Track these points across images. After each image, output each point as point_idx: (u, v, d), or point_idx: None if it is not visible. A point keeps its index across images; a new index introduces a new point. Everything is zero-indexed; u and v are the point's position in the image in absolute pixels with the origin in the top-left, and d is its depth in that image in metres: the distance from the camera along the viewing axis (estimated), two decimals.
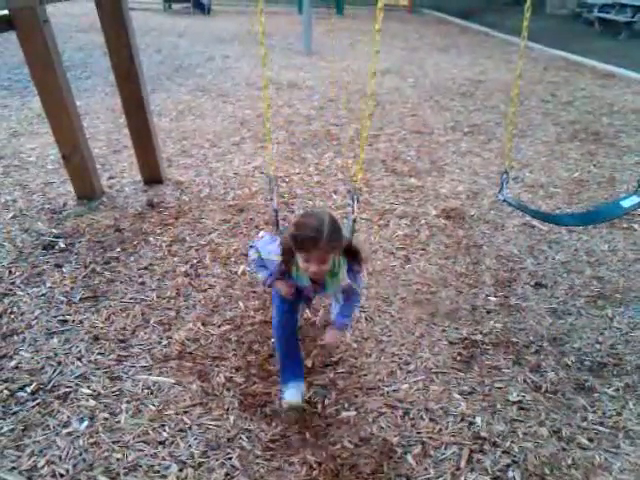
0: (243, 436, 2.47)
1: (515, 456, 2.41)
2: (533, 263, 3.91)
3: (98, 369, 2.83)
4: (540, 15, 18.93)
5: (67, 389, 2.69)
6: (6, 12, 3.74)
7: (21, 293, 3.42)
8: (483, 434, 2.51)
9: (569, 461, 2.40)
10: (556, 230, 4.30)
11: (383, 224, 4.40)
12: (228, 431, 2.49)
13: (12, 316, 3.22)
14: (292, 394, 2.58)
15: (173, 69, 9.63)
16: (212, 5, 18.21)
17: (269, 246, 2.58)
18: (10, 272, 3.61)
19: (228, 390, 2.73)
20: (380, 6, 2.35)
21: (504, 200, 3.57)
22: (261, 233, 3.41)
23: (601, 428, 2.59)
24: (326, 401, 2.70)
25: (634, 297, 3.56)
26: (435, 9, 21.47)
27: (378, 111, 7.43)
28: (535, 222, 4.40)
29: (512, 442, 2.48)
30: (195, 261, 3.81)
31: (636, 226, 4.40)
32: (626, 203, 3.28)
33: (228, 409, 2.62)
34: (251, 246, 2.71)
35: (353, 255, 2.53)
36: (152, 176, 4.97)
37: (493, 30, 15.63)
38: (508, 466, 2.36)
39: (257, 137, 6.29)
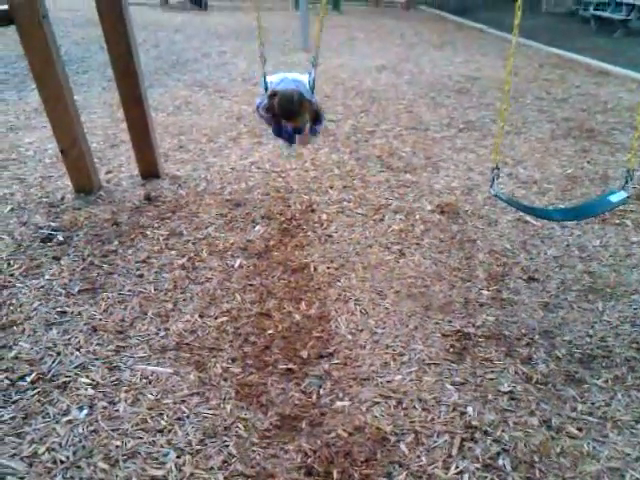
0: (240, 424, 2.52)
1: (505, 444, 2.47)
2: (526, 258, 3.97)
3: (97, 359, 2.88)
4: (536, 13, 18.99)
5: (66, 379, 2.74)
6: (6, 7, 3.78)
7: (20, 285, 3.46)
8: (474, 423, 2.57)
9: (558, 449, 2.46)
10: (549, 226, 4.35)
11: (378, 219, 4.45)
12: (225, 420, 2.54)
13: (11, 307, 3.26)
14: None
15: (170, 64, 9.66)
16: (209, 0, 18.20)
17: (262, 98, 3.79)
18: (9, 264, 3.66)
19: (225, 380, 2.78)
20: None
21: (495, 195, 3.62)
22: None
23: (590, 418, 2.65)
24: (321, 391, 2.74)
25: (625, 291, 3.62)
26: (432, 6, 21.49)
27: (374, 107, 7.47)
28: (528, 218, 4.46)
29: (503, 431, 2.53)
30: (192, 254, 3.86)
31: (628, 222, 4.46)
32: (614, 198, 3.33)
33: (225, 398, 2.67)
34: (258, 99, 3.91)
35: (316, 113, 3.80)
36: (149, 170, 5.01)
37: (489, 27, 15.66)
38: (498, 454, 2.42)
39: (254, 132, 6.33)
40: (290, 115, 3.51)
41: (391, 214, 4.53)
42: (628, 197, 3.30)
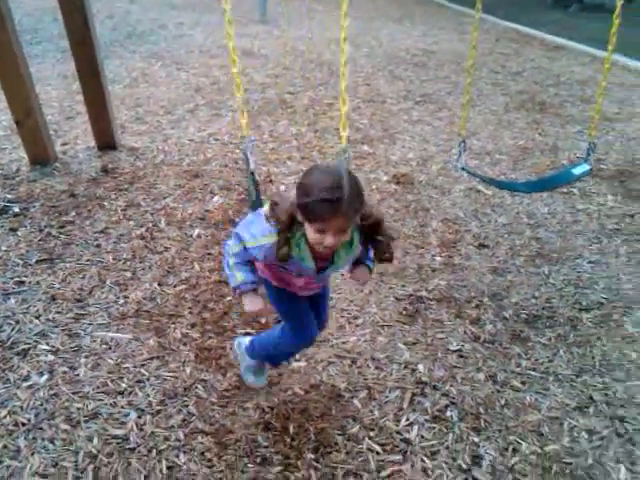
0: (199, 386, 2.60)
1: (453, 398, 2.60)
2: (477, 225, 4.10)
3: (56, 327, 2.92)
4: None
5: (26, 346, 2.78)
6: None
7: None
8: (424, 379, 2.70)
9: (502, 402, 2.60)
10: (499, 195, 4.49)
11: None
12: (185, 381, 2.62)
13: None
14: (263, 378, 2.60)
15: (125, 36, 9.50)
16: None
17: (254, 227, 2.01)
18: None
19: (184, 345, 2.85)
20: None
21: (462, 168, 3.71)
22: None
23: (533, 373, 2.80)
24: None
25: (569, 256, 3.78)
26: None
27: (332, 80, 7.51)
28: (480, 187, 4.59)
29: (451, 386, 2.67)
30: (150, 225, 3.89)
31: (575, 190, 4.63)
32: (577, 170, 3.48)
33: (184, 362, 2.74)
34: (230, 238, 2.12)
35: (371, 225, 2.00)
36: (106, 142, 4.99)
37: (447, 1, 15.74)
38: (447, 407, 2.56)
39: (212, 104, 6.32)
40: (337, 206, 1.73)
41: None
42: (590, 169, 3.45)
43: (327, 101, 6.63)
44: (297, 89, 7.08)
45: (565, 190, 4.64)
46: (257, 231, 1.99)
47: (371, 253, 2.13)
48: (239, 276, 2.08)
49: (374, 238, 2.04)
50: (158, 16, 11.38)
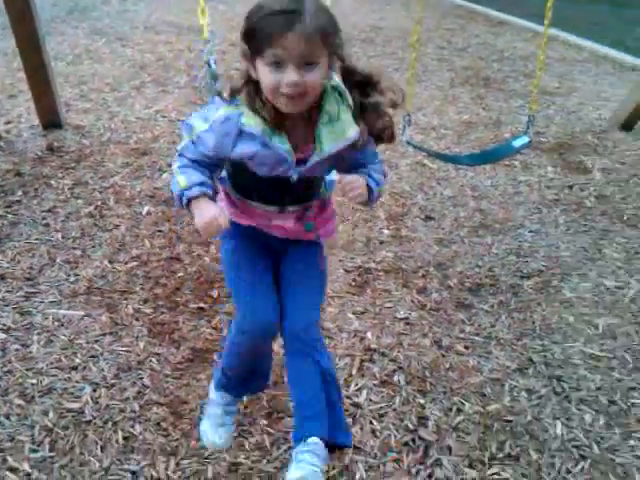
0: (153, 359, 2.65)
1: (400, 363, 2.72)
2: (423, 198, 4.21)
3: (7, 305, 2.91)
4: None
5: None
6: None
7: None
8: (373, 346, 2.80)
9: (447, 365, 2.73)
10: (444, 168, 4.62)
11: None
12: (138, 355, 2.66)
13: None
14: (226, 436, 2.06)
15: (67, 11, 9.24)
16: None
17: (206, 111, 1.67)
18: None
19: (137, 320, 2.89)
20: None
21: (407, 142, 3.79)
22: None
23: (476, 338, 2.93)
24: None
25: (511, 226, 3.93)
26: None
27: None
28: (426, 161, 4.70)
29: (398, 352, 2.78)
30: (99, 203, 3.87)
31: (516, 163, 4.78)
32: (517, 143, 3.60)
33: (138, 337, 2.78)
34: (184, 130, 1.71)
35: (364, 83, 1.63)
36: (51, 120, 4.89)
37: None
38: (394, 371, 2.67)
39: (158, 81, 6.25)
40: (293, 17, 1.42)
41: None
42: (530, 141, 3.57)
43: None
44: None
45: (507, 163, 4.79)
46: (210, 111, 1.64)
47: (376, 175, 1.74)
48: (182, 180, 1.63)
49: (365, 105, 1.62)
50: None
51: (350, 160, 1.73)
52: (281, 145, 1.58)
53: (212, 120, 1.61)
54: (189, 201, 1.61)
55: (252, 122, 1.57)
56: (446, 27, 9.76)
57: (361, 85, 1.63)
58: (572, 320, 3.08)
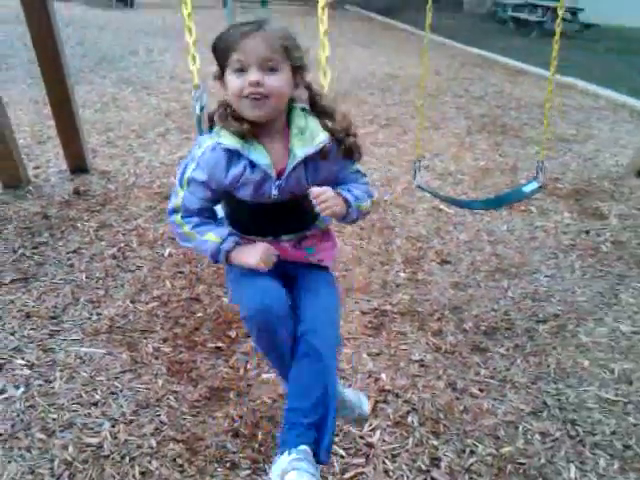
0: (171, 397, 2.70)
1: (414, 405, 2.73)
2: (439, 242, 4.27)
3: (31, 342, 2.99)
4: (459, 13, 19.69)
5: (2, 360, 2.85)
6: None
7: None
8: (387, 387, 2.82)
9: (461, 407, 2.74)
10: (461, 213, 4.68)
11: None
12: (157, 392, 2.71)
13: None
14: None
15: (96, 62, 9.60)
16: None
17: (194, 151, 1.77)
18: None
19: (156, 358, 2.94)
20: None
21: (418, 186, 3.88)
22: None
23: (491, 381, 2.94)
24: (248, 366, 2.94)
25: (527, 270, 3.96)
26: (358, 5, 21.81)
27: None
28: (442, 206, 4.78)
29: (412, 393, 2.80)
30: (122, 245, 3.98)
31: (533, 209, 4.84)
32: (527, 188, 3.67)
33: (156, 374, 2.83)
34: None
35: (325, 114, 1.80)
36: (78, 165, 5.07)
37: (414, 28, 16.14)
38: (408, 413, 2.68)
39: (182, 128, 6.44)
40: (253, 28, 1.62)
41: None
42: (540, 187, 3.64)
43: None
44: None
45: (523, 208, 4.85)
46: (195, 150, 1.75)
47: (355, 191, 1.82)
48: (211, 236, 1.71)
49: (319, 112, 1.80)
50: (128, 42, 11.52)
51: (331, 178, 1.82)
52: (261, 157, 1.68)
53: (198, 157, 1.72)
54: (228, 252, 1.72)
55: (229, 140, 1.67)
56: (464, 76, 9.97)
57: (324, 111, 1.80)
58: (587, 364, 3.08)
